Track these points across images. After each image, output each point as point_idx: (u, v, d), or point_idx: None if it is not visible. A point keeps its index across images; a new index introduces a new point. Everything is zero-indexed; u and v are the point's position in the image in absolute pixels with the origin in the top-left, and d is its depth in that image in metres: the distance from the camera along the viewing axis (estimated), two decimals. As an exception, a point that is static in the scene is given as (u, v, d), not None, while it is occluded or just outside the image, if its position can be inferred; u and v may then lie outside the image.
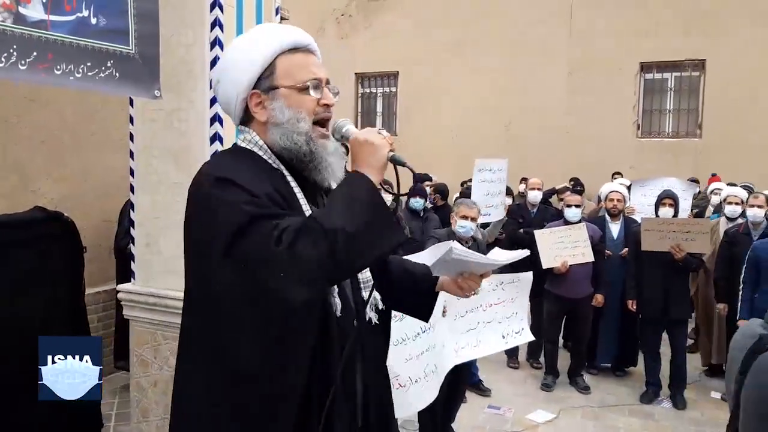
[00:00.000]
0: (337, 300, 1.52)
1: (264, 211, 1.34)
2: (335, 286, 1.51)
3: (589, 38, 11.64)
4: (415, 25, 12.94)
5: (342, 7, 13.88)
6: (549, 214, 6.58)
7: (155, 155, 2.83)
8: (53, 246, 2.85)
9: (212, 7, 2.65)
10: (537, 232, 5.55)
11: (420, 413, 4.28)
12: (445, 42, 12.63)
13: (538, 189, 6.64)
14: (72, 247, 2.94)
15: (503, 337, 4.32)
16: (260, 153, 1.54)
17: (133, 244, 2.94)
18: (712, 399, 5.58)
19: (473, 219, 4.29)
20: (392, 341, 2.84)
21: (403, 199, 6.40)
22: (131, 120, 2.90)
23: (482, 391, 5.55)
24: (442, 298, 3.31)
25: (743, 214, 5.71)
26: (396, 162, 1.45)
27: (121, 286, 2.96)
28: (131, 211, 2.94)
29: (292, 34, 1.58)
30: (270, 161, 1.53)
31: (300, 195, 1.53)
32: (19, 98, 4.84)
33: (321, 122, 1.55)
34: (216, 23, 2.66)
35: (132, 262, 2.95)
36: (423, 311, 1.88)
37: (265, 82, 1.52)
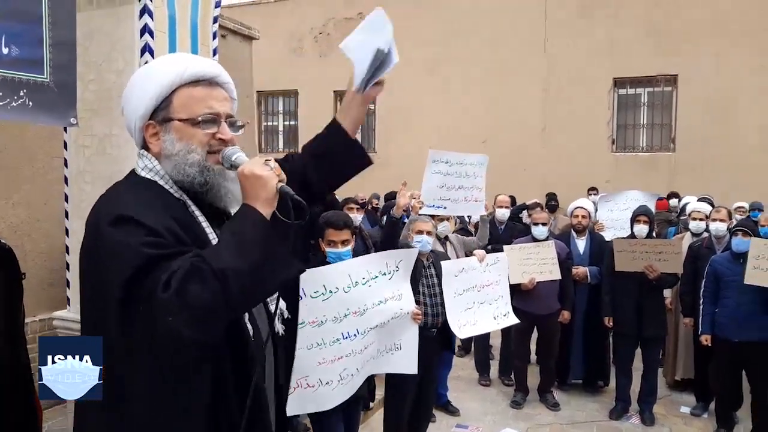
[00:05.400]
0: (249, 325, 1.53)
1: (162, 251, 1.32)
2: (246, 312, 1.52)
3: (562, 55, 11.76)
4: (392, 43, 13.02)
5: (319, 26, 13.97)
6: (516, 230, 6.59)
7: (88, 181, 2.81)
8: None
9: (142, 33, 2.65)
10: (506, 248, 5.54)
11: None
12: (421, 60, 12.72)
13: (506, 207, 6.66)
14: (8, 275, 2.89)
15: (494, 318, 4.74)
16: (162, 182, 1.52)
17: (68, 270, 2.92)
18: (680, 414, 5.57)
19: (429, 233, 4.29)
20: (306, 345, 2.88)
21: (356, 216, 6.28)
22: (65, 146, 2.88)
23: (450, 411, 5.52)
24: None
25: (708, 229, 5.73)
26: (285, 194, 1.42)
27: (57, 314, 2.93)
28: (66, 236, 2.92)
29: (196, 65, 1.56)
30: (172, 191, 1.52)
31: (206, 224, 1.52)
32: (-25, 123, 4.83)
33: (218, 152, 1.54)
34: (146, 49, 2.65)
35: (68, 289, 2.92)
36: (356, 159, 1.82)
37: (160, 114, 1.52)
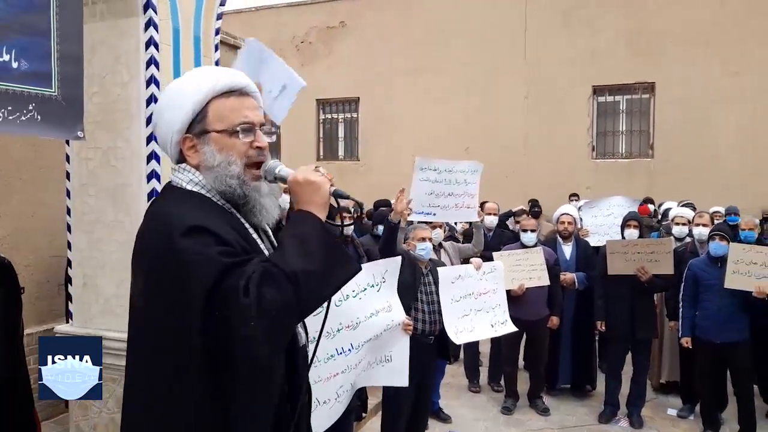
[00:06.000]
0: (301, 330, 1.59)
1: (236, 259, 1.35)
2: None
3: (543, 63, 11.94)
4: (374, 52, 13.11)
5: (301, 35, 13.99)
6: (505, 237, 6.67)
7: (91, 194, 2.80)
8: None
9: (147, 46, 2.65)
10: (495, 255, 5.60)
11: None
12: (403, 67, 12.82)
13: (494, 214, 6.73)
14: (8, 289, 2.86)
15: (492, 326, 4.78)
16: (209, 195, 1.53)
17: (71, 284, 2.89)
18: (667, 416, 5.66)
19: (430, 240, 4.36)
20: None
21: (342, 226, 6.29)
22: (67, 158, 2.86)
23: (442, 419, 5.55)
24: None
25: (691, 234, 5.86)
26: (339, 196, 1.48)
27: (59, 328, 2.90)
28: (68, 250, 2.89)
29: (226, 77, 1.57)
30: (220, 203, 1.53)
31: (255, 236, 1.55)
32: (-39, 134, 4.74)
33: (255, 165, 1.55)
34: (152, 61, 2.65)
35: (69, 302, 2.90)
36: None
37: (197, 126, 1.53)
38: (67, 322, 4.40)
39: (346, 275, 1.47)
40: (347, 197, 1.49)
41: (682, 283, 5.06)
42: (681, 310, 5.03)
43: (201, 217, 1.42)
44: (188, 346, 1.38)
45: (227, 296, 1.29)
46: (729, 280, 4.63)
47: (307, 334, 1.68)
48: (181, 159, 1.58)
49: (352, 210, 4.88)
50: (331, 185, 1.47)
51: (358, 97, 13.58)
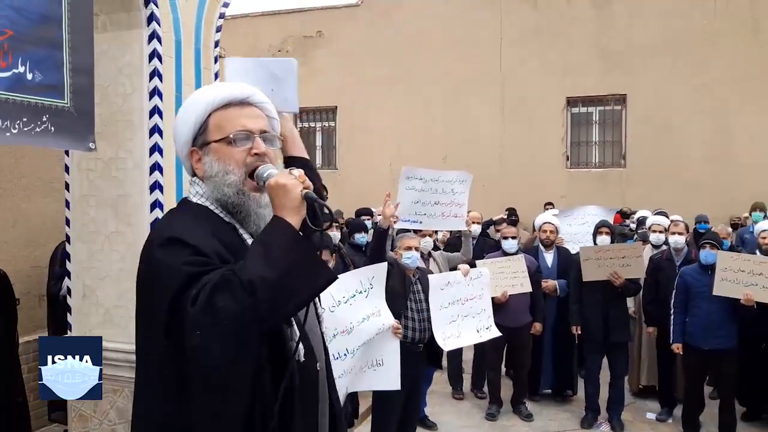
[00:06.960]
0: (301, 345, 1.51)
1: (202, 268, 1.33)
2: (297, 330, 1.51)
3: (518, 74, 12.17)
4: (352, 61, 13.18)
5: (278, 44, 14.00)
6: (487, 245, 6.77)
7: (92, 204, 2.79)
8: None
9: (150, 58, 2.67)
10: (478, 263, 5.69)
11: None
12: (380, 77, 12.91)
13: (477, 222, 6.83)
14: (4, 299, 2.82)
15: (477, 331, 4.87)
16: (212, 207, 1.56)
17: (70, 295, 2.87)
18: (647, 420, 5.80)
19: (416, 249, 4.41)
20: None
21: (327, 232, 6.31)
22: (66, 169, 2.85)
23: (428, 426, 5.59)
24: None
25: (667, 242, 6.02)
26: (310, 200, 1.42)
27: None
28: (67, 261, 2.87)
29: (224, 91, 1.62)
30: (221, 215, 1.55)
31: None
32: (-59, 142, 4.64)
33: (254, 173, 1.55)
34: (155, 73, 2.67)
35: (68, 314, 2.87)
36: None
37: (200, 139, 1.59)
38: (49, 334, 4.36)
39: (316, 283, 1.40)
40: (318, 201, 1.41)
41: (665, 289, 5.20)
42: (672, 316, 5.11)
43: (183, 228, 1.43)
44: (161, 354, 1.39)
45: (182, 306, 1.28)
46: (718, 288, 4.74)
47: (326, 349, 1.67)
48: (194, 172, 1.63)
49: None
50: (304, 188, 1.42)
51: (336, 106, 13.63)
